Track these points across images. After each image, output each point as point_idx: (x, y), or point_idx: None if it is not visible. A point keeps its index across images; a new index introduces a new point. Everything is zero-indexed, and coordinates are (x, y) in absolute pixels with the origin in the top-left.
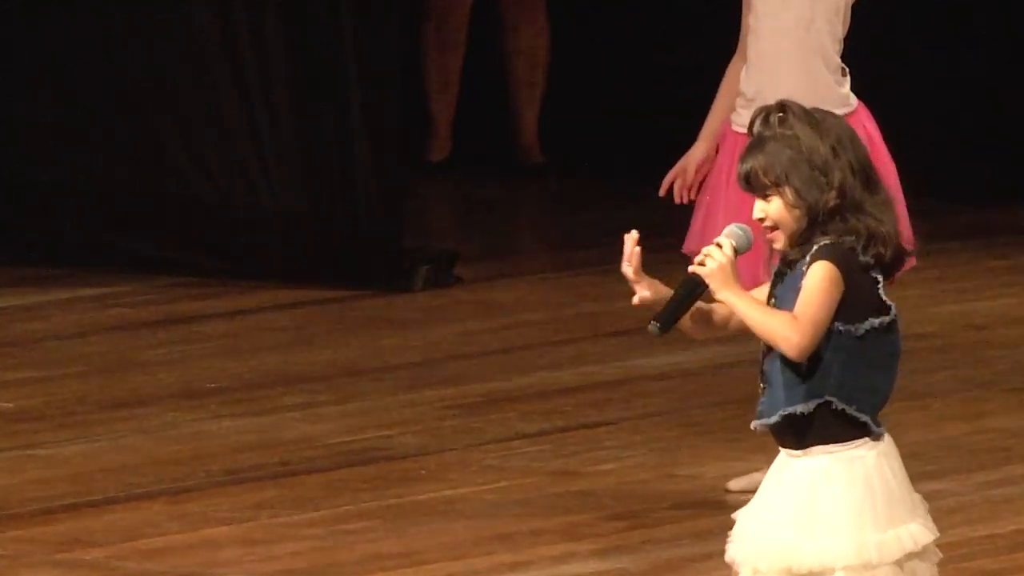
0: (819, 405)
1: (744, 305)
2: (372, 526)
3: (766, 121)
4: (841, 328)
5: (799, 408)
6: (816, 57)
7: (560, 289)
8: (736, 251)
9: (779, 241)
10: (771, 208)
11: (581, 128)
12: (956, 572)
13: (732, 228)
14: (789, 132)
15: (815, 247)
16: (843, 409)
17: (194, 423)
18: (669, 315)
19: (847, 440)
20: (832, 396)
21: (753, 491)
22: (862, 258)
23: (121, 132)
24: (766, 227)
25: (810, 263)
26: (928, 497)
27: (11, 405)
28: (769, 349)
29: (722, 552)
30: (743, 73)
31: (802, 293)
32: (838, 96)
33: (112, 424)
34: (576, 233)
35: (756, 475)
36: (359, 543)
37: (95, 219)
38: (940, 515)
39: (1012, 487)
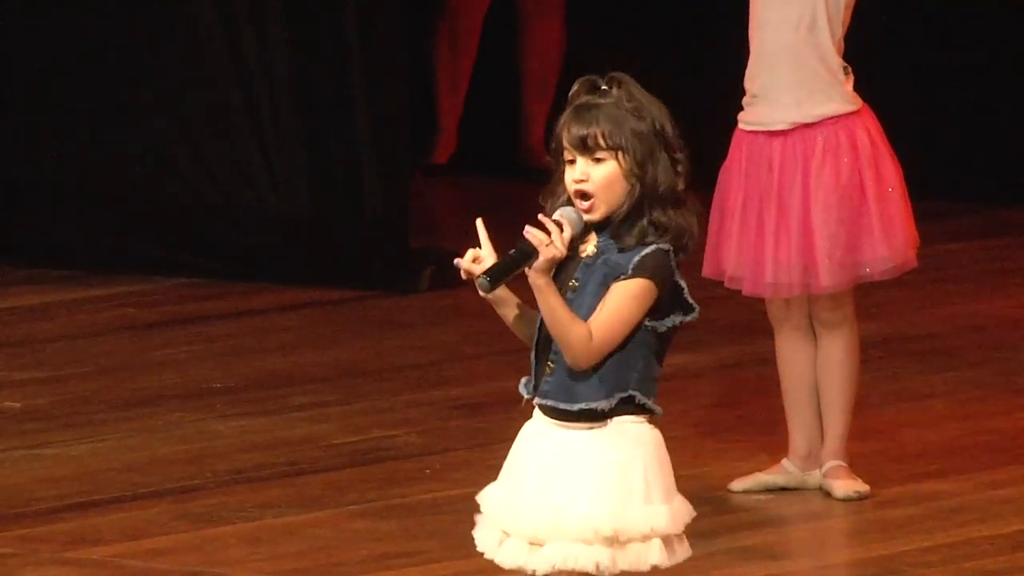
0: (620, 400)
1: (552, 300)
2: (377, 526)
3: (595, 88)
4: (648, 324)
5: (601, 404)
6: (816, 55)
7: None
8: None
9: (596, 212)
10: (597, 172)
11: None
12: (957, 572)
13: (571, 213)
14: (631, 103)
15: (643, 252)
16: (643, 403)
17: (200, 423)
18: (500, 272)
19: (640, 415)
20: (635, 390)
21: (757, 491)
22: (673, 262)
23: (125, 133)
24: (576, 190)
25: (633, 273)
26: (929, 497)
27: (18, 405)
28: None
29: (726, 551)
30: (748, 70)
31: (608, 312)
32: (840, 95)
33: (118, 424)
34: None
35: (759, 475)
36: (364, 542)
37: (100, 221)
38: (941, 515)
39: (1013, 488)
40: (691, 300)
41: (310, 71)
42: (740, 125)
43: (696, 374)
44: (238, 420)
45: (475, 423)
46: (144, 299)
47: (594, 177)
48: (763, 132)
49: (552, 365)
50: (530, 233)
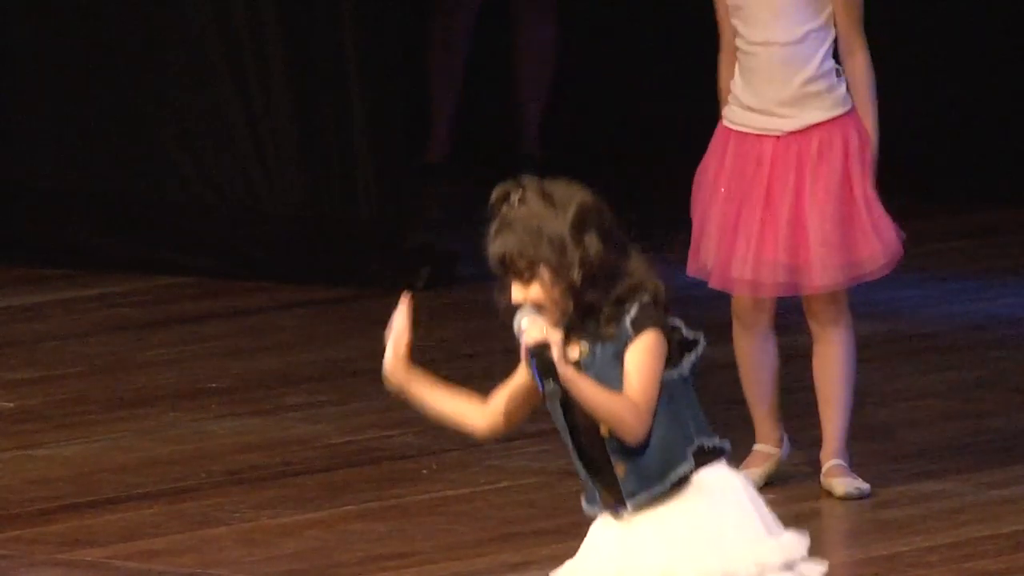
0: (694, 452)
1: (587, 384)
2: (373, 526)
3: (507, 200)
4: (671, 375)
5: (684, 469)
6: (810, 68)
7: None
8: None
9: (549, 317)
10: (532, 292)
11: (583, 128)
12: (956, 573)
13: (527, 311)
14: (528, 211)
15: (631, 314)
16: (712, 446)
17: (194, 423)
18: (551, 370)
19: (713, 463)
20: (699, 439)
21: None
22: (660, 310)
23: (121, 132)
24: (531, 307)
25: (635, 333)
26: (929, 497)
27: (11, 405)
28: (598, 430)
29: None
30: (738, 80)
31: (637, 373)
32: (833, 99)
33: (112, 424)
34: None
35: (751, 472)
36: (360, 543)
37: (95, 220)
38: (941, 515)
39: (1013, 487)
40: (691, 335)
41: (306, 69)
42: (726, 123)
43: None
44: (233, 420)
45: None
46: (138, 298)
47: (530, 295)
48: (753, 133)
49: (623, 466)
50: (528, 341)
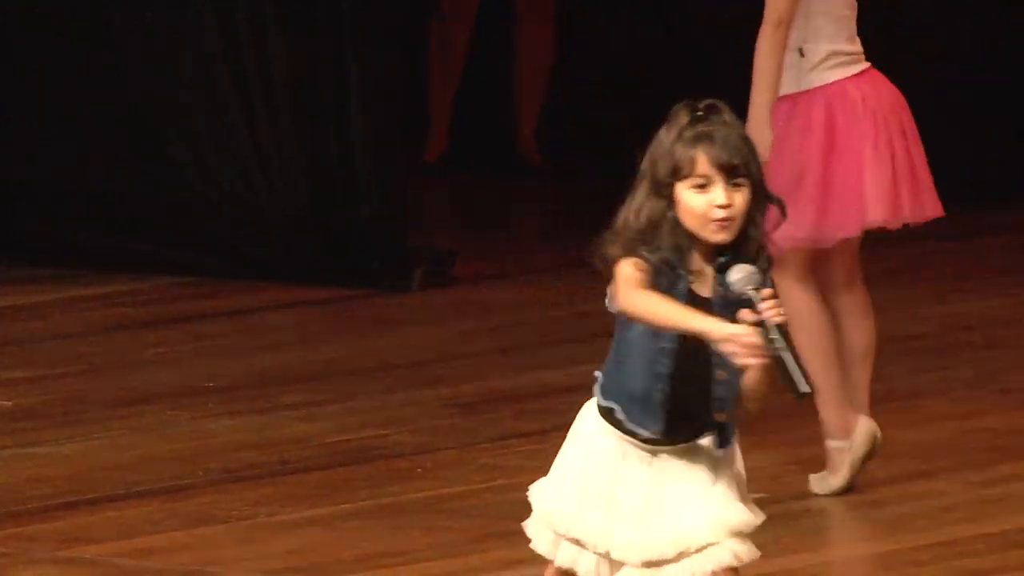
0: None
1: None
2: (369, 524)
3: (717, 111)
4: None
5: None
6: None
7: (556, 289)
8: None
9: (730, 233)
10: (738, 198)
11: (580, 128)
12: (947, 571)
13: (751, 276)
14: (734, 125)
15: (763, 270)
16: None
17: (193, 422)
18: (803, 372)
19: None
20: None
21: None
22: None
23: (122, 131)
24: (721, 217)
25: (754, 299)
26: (920, 496)
27: (10, 404)
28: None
29: None
30: (810, 37)
31: None
32: None
33: (111, 423)
34: (573, 233)
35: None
36: (356, 541)
37: (95, 219)
38: (931, 514)
39: (1003, 487)
40: None
41: (306, 70)
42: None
43: None
44: (231, 419)
45: (467, 422)
46: (137, 298)
47: (737, 203)
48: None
49: (722, 372)
50: (776, 319)
